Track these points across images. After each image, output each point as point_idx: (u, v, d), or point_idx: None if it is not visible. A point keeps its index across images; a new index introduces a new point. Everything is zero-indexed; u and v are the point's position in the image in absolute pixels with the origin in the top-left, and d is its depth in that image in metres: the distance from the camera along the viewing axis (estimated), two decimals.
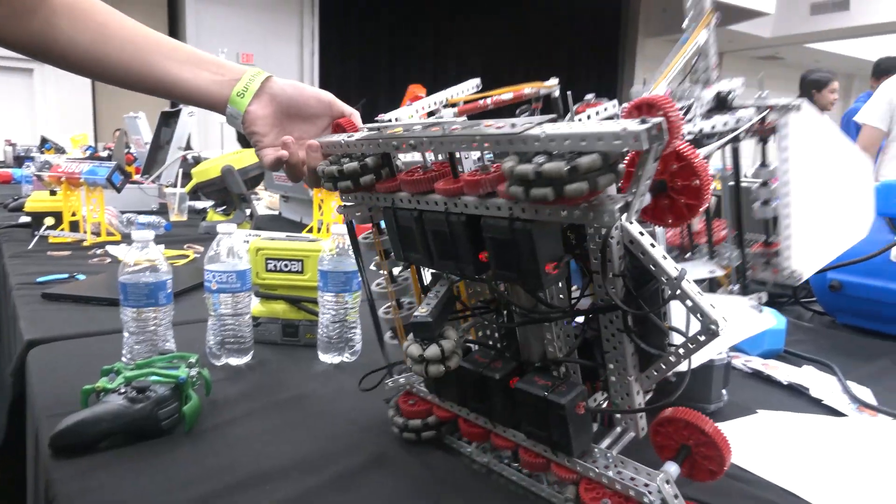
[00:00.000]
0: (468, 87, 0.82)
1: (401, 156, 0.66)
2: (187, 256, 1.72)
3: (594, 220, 0.44)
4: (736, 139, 0.76)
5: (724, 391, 0.82)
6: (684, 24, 0.79)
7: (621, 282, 0.53)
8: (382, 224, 0.71)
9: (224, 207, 2.25)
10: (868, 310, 1.16)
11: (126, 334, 0.92)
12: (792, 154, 0.72)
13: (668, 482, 0.53)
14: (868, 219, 0.78)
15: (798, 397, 0.88)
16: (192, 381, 0.79)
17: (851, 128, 3.05)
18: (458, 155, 0.58)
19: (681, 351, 0.53)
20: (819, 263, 0.78)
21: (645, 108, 0.42)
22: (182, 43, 0.71)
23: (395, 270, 0.76)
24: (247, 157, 2.13)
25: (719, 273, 0.82)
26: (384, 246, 0.74)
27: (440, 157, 0.62)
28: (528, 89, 0.77)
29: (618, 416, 0.61)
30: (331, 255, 1.02)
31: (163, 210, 2.54)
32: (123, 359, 0.92)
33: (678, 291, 0.50)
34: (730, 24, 9.78)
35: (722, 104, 0.76)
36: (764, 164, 0.79)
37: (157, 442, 0.73)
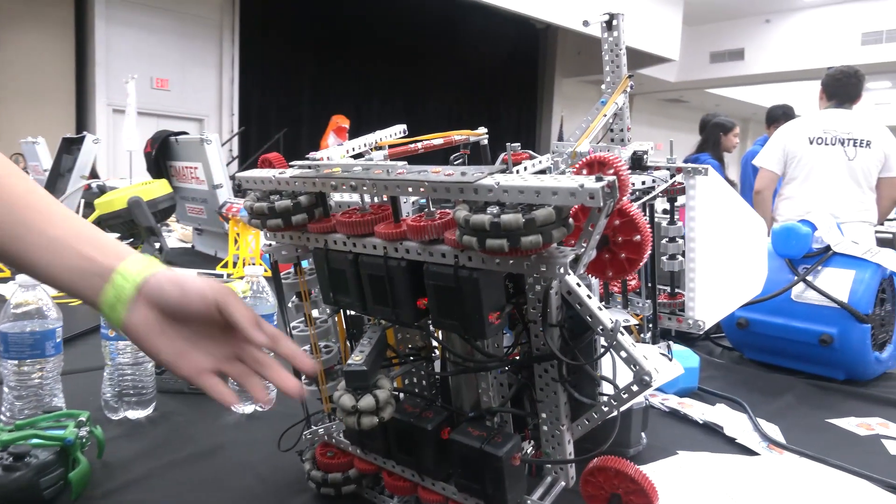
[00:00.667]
0: (395, 132, 0.82)
1: (335, 196, 0.64)
2: None
3: (546, 273, 0.44)
4: (651, 198, 0.81)
5: (643, 434, 0.84)
6: (603, 87, 0.83)
7: (557, 332, 0.54)
8: (304, 264, 0.69)
9: (131, 240, 2.11)
10: (772, 346, 1.24)
11: (6, 389, 0.82)
12: (698, 213, 0.77)
13: None
14: (762, 276, 0.85)
15: (713, 435, 0.93)
16: (82, 443, 0.71)
17: (749, 170, 3.34)
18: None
19: (613, 402, 0.54)
20: (720, 314, 0.83)
21: (597, 166, 0.44)
22: (54, 203, 0.57)
23: (314, 313, 0.73)
24: (157, 188, 2.02)
25: (633, 322, 0.85)
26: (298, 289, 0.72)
27: (376, 200, 0.61)
28: (457, 136, 0.78)
29: (547, 465, 0.61)
30: (244, 297, 0.96)
31: None
32: (1, 418, 0.82)
33: (613, 342, 0.52)
34: (639, 69, 10.65)
35: (637, 163, 0.81)
36: (672, 222, 0.84)
37: None
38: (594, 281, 0.57)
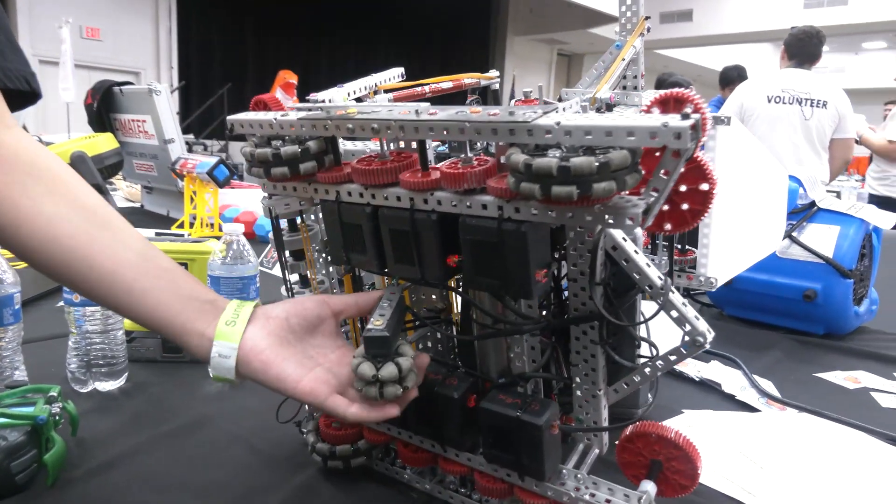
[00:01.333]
0: (392, 75, 0.75)
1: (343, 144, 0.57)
2: None
3: (614, 224, 0.40)
4: None
5: (649, 394, 0.82)
6: (616, 30, 0.78)
7: (601, 290, 0.49)
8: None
9: None
10: (755, 302, 1.24)
11: None
12: (717, 165, 0.74)
13: (650, 503, 0.50)
14: (780, 230, 0.83)
15: (711, 392, 0.92)
16: (55, 421, 0.64)
17: None
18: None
19: (660, 364, 0.51)
20: (734, 271, 0.81)
21: (673, 104, 0.39)
22: (145, 240, 0.54)
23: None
24: (102, 143, 1.88)
25: None
26: (298, 246, 0.65)
27: (392, 146, 0.55)
28: (467, 79, 0.72)
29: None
30: (223, 257, 0.89)
31: None
32: None
33: (664, 301, 0.48)
34: (592, 27, 10.61)
35: None
36: None
37: (11, 501, 0.57)
38: (639, 233, 0.52)
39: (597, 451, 0.56)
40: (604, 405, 0.55)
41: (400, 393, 0.50)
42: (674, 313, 0.48)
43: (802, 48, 2.81)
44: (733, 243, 0.78)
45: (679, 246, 0.83)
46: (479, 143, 0.54)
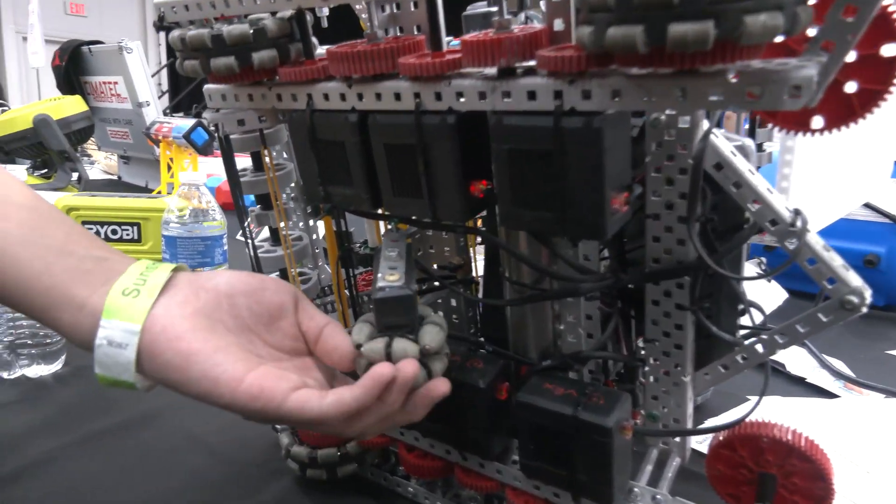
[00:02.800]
0: None
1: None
2: None
3: (762, 102, 0.23)
4: None
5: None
6: None
7: (697, 230, 0.33)
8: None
9: (45, 170, 1.79)
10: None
11: None
12: None
13: None
14: (886, 172, 0.67)
15: (775, 375, 0.77)
16: None
17: None
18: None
19: (778, 338, 0.35)
20: (819, 225, 0.66)
21: None
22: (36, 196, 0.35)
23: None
24: (69, 105, 1.71)
25: None
26: (264, 189, 0.49)
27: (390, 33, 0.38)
28: None
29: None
30: (180, 215, 0.72)
31: None
32: None
33: (796, 244, 0.32)
34: None
35: None
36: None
37: None
38: (752, 148, 0.36)
39: (677, 460, 0.41)
40: (689, 397, 0.39)
41: (445, 366, 0.35)
42: (809, 263, 0.32)
43: None
44: (821, 189, 0.62)
45: None
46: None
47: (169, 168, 1.76)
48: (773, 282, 0.61)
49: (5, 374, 0.66)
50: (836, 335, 0.92)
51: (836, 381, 0.75)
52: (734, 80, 0.24)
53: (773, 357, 0.76)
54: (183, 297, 0.33)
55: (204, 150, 1.72)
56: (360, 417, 0.33)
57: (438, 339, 0.33)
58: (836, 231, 1.03)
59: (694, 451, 0.53)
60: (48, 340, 0.67)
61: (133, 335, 0.31)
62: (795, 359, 0.80)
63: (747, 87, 0.24)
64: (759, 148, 0.48)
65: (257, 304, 0.35)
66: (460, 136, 0.32)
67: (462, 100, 0.31)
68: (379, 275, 0.34)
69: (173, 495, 0.49)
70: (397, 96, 0.33)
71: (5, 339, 0.65)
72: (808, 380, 0.75)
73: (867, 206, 1.00)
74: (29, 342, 0.66)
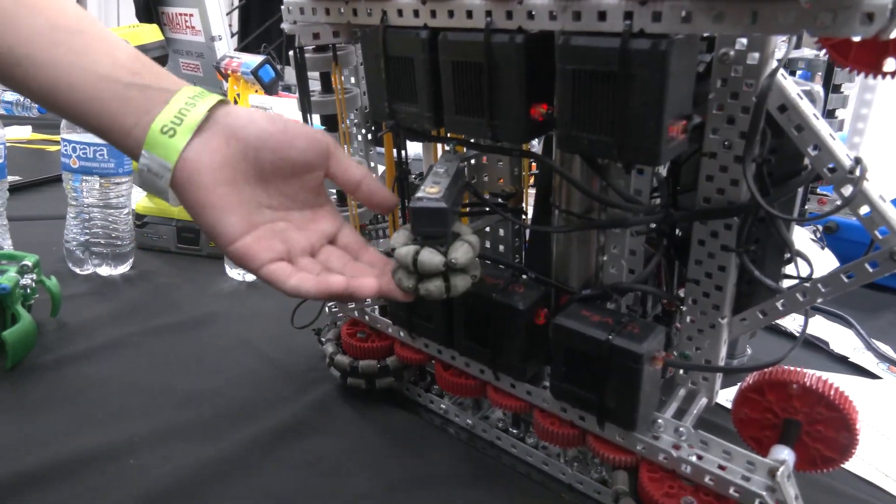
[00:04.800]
0: None
1: None
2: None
3: (836, 29, 0.23)
4: None
5: (747, 344, 0.67)
6: None
7: (753, 171, 0.34)
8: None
9: None
10: (860, 256, 1.05)
11: None
12: None
13: (788, 476, 0.35)
14: None
15: (816, 352, 0.76)
16: (25, 294, 0.53)
17: None
18: None
19: (821, 287, 0.35)
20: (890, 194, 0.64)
21: None
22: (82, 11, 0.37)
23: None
24: (146, 33, 1.75)
25: None
26: (331, 110, 0.51)
27: None
28: None
29: (681, 372, 0.43)
30: None
31: None
32: None
33: (853, 191, 0.32)
34: None
35: None
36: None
37: None
38: (820, 93, 0.36)
39: (704, 400, 0.42)
40: (724, 340, 0.40)
41: (469, 285, 0.37)
42: (864, 210, 0.32)
43: None
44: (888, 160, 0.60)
45: None
46: None
47: (235, 103, 1.81)
48: (826, 250, 0.60)
49: (78, 270, 0.71)
50: (887, 323, 0.90)
51: (879, 363, 0.73)
52: (806, 5, 0.24)
53: (817, 334, 0.76)
54: (216, 143, 0.36)
55: (270, 88, 1.75)
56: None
57: (467, 256, 0.35)
58: None
59: (719, 405, 0.54)
60: (119, 243, 0.72)
61: (167, 170, 0.35)
62: (840, 338, 0.78)
63: (819, 12, 0.24)
64: (837, 89, 0.47)
65: (281, 161, 0.38)
66: (527, 56, 0.33)
67: (533, 19, 0.32)
68: (422, 186, 0.36)
69: (225, 387, 0.53)
70: (469, 14, 0.34)
71: (81, 238, 0.70)
72: (851, 359, 0.74)
73: None
74: (101, 241, 0.71)
